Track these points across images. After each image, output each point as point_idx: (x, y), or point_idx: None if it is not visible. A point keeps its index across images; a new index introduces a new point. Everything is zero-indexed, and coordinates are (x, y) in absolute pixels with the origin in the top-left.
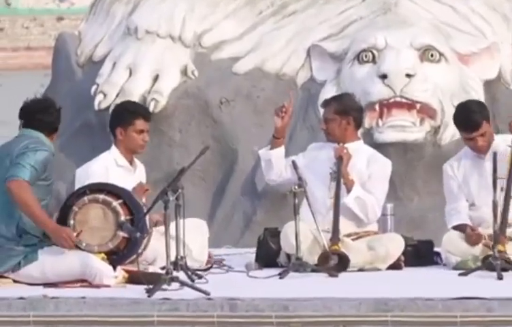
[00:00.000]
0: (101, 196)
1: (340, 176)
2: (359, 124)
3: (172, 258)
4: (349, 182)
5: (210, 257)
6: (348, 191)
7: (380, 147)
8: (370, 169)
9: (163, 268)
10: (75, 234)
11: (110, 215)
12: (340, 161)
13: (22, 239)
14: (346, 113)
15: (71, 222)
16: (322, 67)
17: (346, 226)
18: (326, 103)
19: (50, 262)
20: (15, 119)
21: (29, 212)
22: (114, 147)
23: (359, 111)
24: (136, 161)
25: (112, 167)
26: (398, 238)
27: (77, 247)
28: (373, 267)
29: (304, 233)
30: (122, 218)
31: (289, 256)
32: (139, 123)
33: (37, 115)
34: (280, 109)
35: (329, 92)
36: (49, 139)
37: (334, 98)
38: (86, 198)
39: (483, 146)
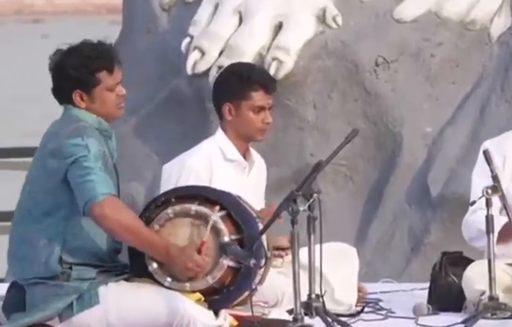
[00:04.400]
0: (194, 207)
1: None
2: None
3: (304, 298)
4: None
5: (360, 296)
6: None
7: None
8: None
9: (290, 313)
10: (154, 267)
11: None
12: None
13: (73, 272)
14: None
15: None
16: None
17: None
18: None
19: (117, 307)
20: None
21: (130, 230)
22: (219, 132)
23: None
24: (253, 152)
25: (216, 162)
26: None
27: (160, 284)
28: None
29: (500, 267)
30: (227, 238)
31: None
32: (258, 97)
33: (63, 75)
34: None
35: None
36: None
37: None
38: (170, 210)
39: None
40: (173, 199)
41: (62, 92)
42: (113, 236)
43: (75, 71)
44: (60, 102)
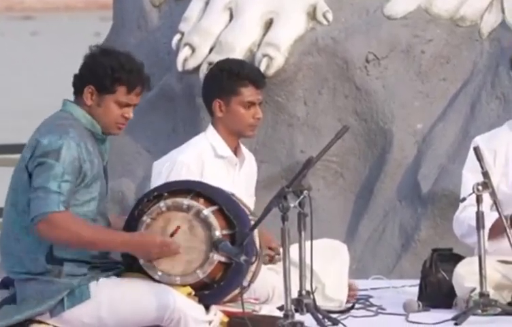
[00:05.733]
0: (186, 201)
1: None
2: None
3: (294, 294)
4: None
5: (351, 293)
6: None
7: None
8: None
9: (280, 309)
10: (144, 260)
11: (200, 230)
12: None
13: (64, 268)
14: None
15: None
16: None
17: None
18: None
19: (108, 302)
20: (55, 84)
21: (83, 242)
22: (210, 128)
23: None
24: (243, 149)
25: (207, 158)
26: None
27: (150, 277)
28: None
29: (491, 264)
30: (218, 233)
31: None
32: (248, 92)
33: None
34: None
35: None
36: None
37: None
38: (163, 204)
39: None
40: (165, 194)
41: (80, 80)
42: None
43: (101, 70)
44: (75, 92)
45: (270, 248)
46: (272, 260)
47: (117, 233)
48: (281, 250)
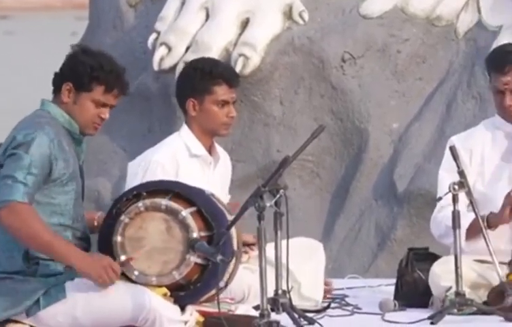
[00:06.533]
0: (164, 202)
1: None
2: None
3: (270, 294)
4: None
5: (326, 292)
6: None
7: None
8: None
9: (256, 309)
10: (122, 260)
11: (177, 230)
12: None
13: (40, 267)
14: None
15: (118, 239)
16: (495, 6)
17: None
18: (511, 59)
19: (84, 302)
20: (31, 84)
21: (36, 244)
22: (184, 128)
23: None
24: (218, 148)
25: (182, 157)
26: None
27: (126, 278)
28: None
29: (467, 263)
30: (195, 235)
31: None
32: (222, 91)
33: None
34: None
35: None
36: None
37: None
38: (141, 204)
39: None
40: (144, 194)
41: (60, 78)
42: (21, 243)
43: (81, 68)
44: (54, 90)
45: (247, 245)
46: (247, 254)
47: (74, 247)
48: (257, 249)
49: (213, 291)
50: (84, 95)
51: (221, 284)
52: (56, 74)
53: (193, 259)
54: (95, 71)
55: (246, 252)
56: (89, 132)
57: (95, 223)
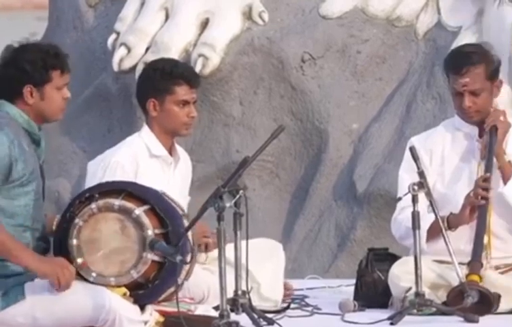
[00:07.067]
0: (117, 202)
1: (491, 157)
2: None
3: (230, 294)
4: (507, 167)
5: (286, 293)
6: (507, 179)
7: None
8: None
9: (216, 309)
10: (79, 263)
11: (132, 229)
12: (494, 132)
13: None
14: (496, 75)
15: (73, 242)
16: (455, 7)
17: (497, 243)
18: (468, 61)
19: (43, 303)
20: None
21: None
22: (145, 128)
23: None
24: (178, 148)
25: (142, 158)
26: None
27: (85, 279)
28: None
29: (426, 264)
30: (150, 232)
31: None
32: (182, 91)
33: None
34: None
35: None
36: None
37: (481, 53)
38: (94, 206)
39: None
40: (97, 195)
41: (11, 86)
42: None
43: (31, 66)
44: (10, 97)
45: (205, 237)
46: (207, 248)
47: (28, 250)
48: (217, 249)
49: (172, 289)
50: (47, 87)
51: (179, 281)
52: (4, 82)
53: (150, 256)
54: (47, 60)
55: (205, 244)
56: (58, 117)
57: (54, 227)
